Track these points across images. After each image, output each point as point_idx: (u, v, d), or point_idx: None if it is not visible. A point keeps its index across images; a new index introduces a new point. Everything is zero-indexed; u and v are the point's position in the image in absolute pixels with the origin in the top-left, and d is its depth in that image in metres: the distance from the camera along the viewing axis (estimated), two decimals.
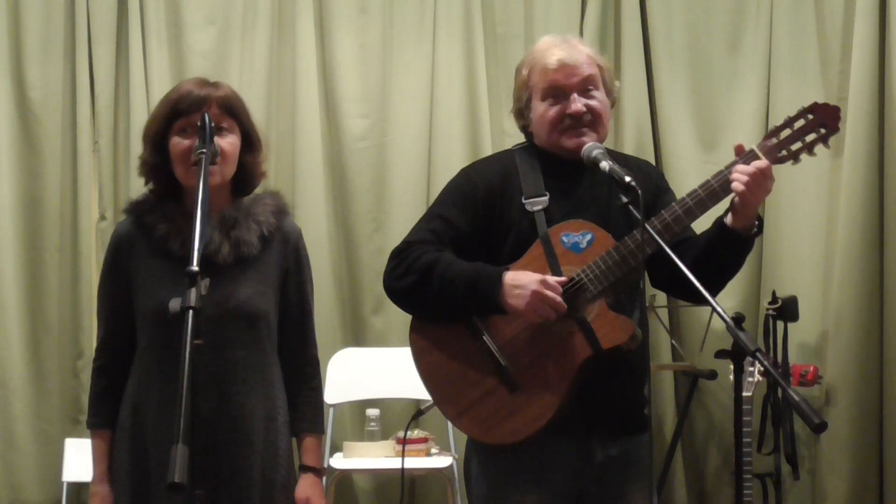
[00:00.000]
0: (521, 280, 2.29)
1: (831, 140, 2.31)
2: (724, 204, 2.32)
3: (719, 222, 2.32)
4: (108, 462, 2.39)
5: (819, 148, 2.31)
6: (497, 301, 2.31)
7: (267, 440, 2.37)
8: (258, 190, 2.48)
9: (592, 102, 2.41)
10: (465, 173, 2.53)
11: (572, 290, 2.30)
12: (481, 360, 2.36)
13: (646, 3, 4.42)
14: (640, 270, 2.35)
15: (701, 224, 2.35)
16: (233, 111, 2.37)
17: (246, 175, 2.42)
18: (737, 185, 2.23)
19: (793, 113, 2.30)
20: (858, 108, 4.13)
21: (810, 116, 2.29)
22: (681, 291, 2.49)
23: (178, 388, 1.75)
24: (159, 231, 2.35)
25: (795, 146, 2.29)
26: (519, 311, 2.30)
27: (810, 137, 2.29)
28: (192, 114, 2.30)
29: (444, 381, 2.40)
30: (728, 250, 2.33)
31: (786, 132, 2.29)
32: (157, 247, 2.36)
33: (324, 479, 2.48)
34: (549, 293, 2.26)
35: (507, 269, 2.33)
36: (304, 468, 2.43)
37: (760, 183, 2.22)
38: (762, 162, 2.23)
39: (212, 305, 2.23)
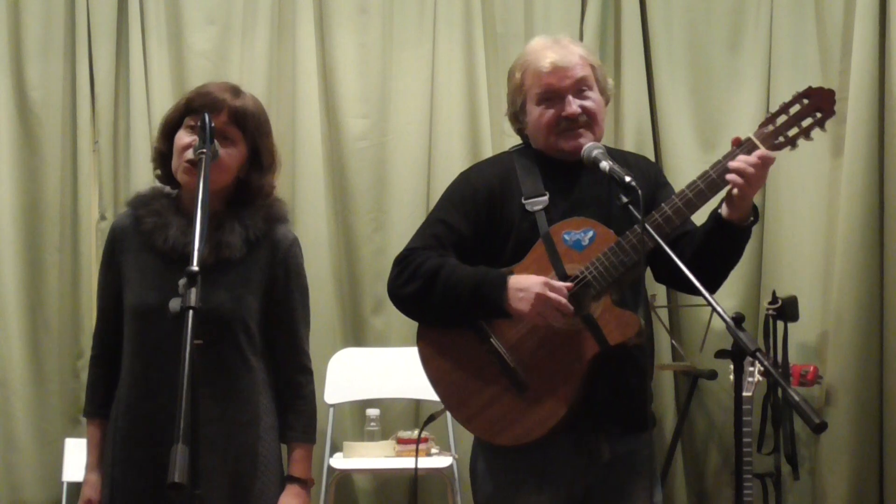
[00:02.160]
0: (525, 283, 2.28)
1: (829, 126, 2.30)
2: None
3: (715, 215, 2.31)
4: (101, 450, 2.38)
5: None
6: (502, 305, 2.30)
7: (244, 445, 2.32)
8: None
9: (587, 103, 2.41)
10: (464, 176, 2.52)
11: (577, 288, 2.30)
12: (490, 362, 2.35)
13: (646, 3, 4.42)
14: (642, 268, 2.34)
15: (699, 215, 2.34)
16: (243, 124, 2.33)
17: (249, 192, 2.37)
18: (734, 178, 2.22)
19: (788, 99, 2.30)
20: (858, 108, 4.12)
21: (806, 101, 2.29)
22: (683, 285, 2.47)
23: (179, 387, 1.74)
24: (146, 225, 2.34)
25: (792, 132, 2.28)
26: (523, 315, 2.29)
27: (806, 122, 2.28)
28: (201, 113, 2.26)
29: (454, 386, 2.39)
30: (727, 241, 2.33)
31: (782, 118, 2.29)
32: (144, 241, 2.34)
33: (310, 490, 2.42)
34: (553, 295, 2.26)
35: (512, 273, 2.32)
36: (290, 479, 2.38)
37: (759, 172, 2.22)
38: (761, 151, 2.23)
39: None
